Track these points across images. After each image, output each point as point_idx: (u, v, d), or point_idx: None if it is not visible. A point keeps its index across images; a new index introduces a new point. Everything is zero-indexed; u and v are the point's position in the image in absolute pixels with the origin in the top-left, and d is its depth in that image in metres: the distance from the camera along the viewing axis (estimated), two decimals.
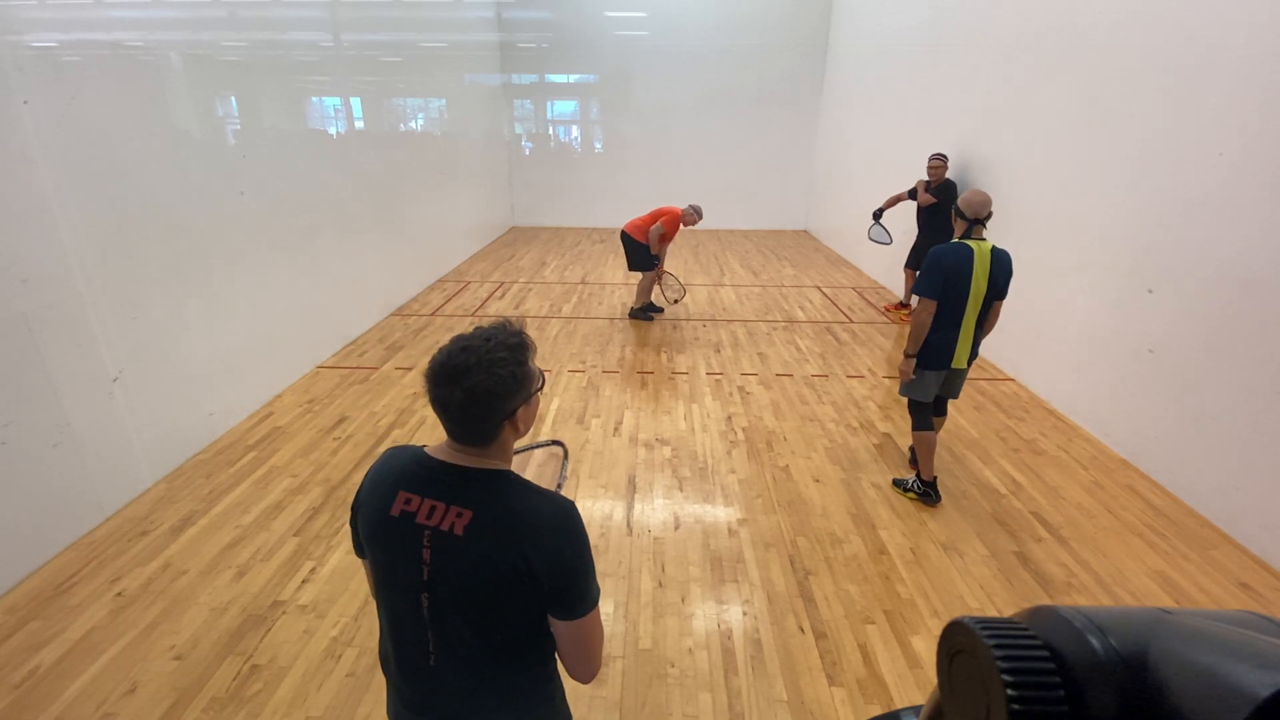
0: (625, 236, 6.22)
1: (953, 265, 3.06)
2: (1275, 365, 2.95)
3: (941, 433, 4.09)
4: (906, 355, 3.24)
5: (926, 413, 3.35)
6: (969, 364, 3.25)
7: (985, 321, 3.23)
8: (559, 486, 1.51)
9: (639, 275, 6.46)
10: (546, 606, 1.11)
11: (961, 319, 3.13)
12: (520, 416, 1.13)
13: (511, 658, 1.16)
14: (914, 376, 3.29)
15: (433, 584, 1.10)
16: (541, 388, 1.18)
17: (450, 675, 1.15)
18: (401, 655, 1.19)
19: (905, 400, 3.48)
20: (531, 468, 1.61)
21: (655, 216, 6.12)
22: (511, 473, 1.16)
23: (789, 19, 10.73)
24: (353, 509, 1.20)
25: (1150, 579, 2.89)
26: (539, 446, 1.71)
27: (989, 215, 3.11)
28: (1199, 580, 2.89)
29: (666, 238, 6.19)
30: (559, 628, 1.13)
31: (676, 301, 6.66)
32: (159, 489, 3.46)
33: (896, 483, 3.57)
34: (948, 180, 5.81)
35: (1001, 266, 3.09)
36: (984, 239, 3.12)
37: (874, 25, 8.72)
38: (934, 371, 3.25)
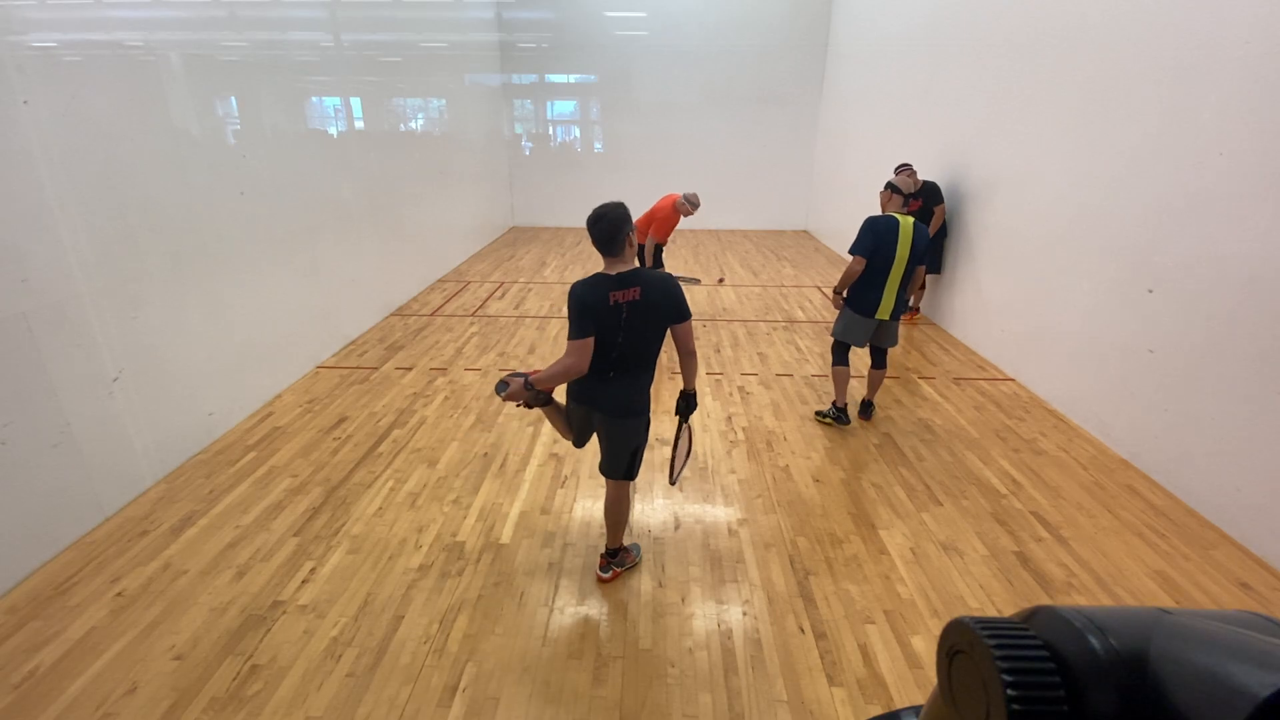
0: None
1: (882, 232, 3.75)
2: (1275, 365, 2.95)
3: (941, 432, 4.15)
4: (835, 292, 4.00)
5: (844, 352, 4.14)
6: (893, 317, 3.94)
7: (911, 283, 3.93)
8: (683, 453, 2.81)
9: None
10: (674, 319, 2.43)
11: (887, 278, 3.81)
12: (629, 238, 2.34)
13: (647, 366, 2.51)
14: (842, 313, 4.04)
15: (626, 328, 2.37)
16: (634, 229, 2.38)
17: (618, 379, 2.46)
18: (598, 371, 2.43)
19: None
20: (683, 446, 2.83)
21: (648, 219, 5.92)
22: (643, 267, 2.50)
23: (789, 19, 10.74)
24: (583, 316, 2.33)
25: (1150, 579, 2.89)
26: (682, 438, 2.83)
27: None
28: (1199, 580, 2.88)
29: (661, 231, 5.97)
30: (678, 329, 2.46)
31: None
32: (159, 489, 3.46)
33: (818, 413, 4.30)
34: (926, 182, 5.91)
35: (921, 235, 3.79)
36: (909, 215, 3.82)
37: (874, 26, 8.72)
38: (861, 317, 3.92)
